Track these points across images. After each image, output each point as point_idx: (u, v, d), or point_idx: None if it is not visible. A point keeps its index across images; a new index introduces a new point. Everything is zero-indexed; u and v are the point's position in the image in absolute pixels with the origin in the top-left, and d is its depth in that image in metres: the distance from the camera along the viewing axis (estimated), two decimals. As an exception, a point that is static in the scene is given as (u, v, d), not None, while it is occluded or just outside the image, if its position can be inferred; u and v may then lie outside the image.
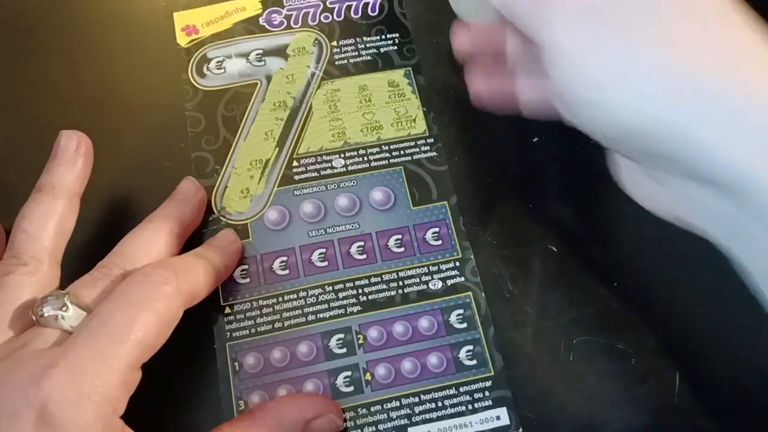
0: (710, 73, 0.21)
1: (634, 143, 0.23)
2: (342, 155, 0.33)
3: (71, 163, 0.28)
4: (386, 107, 0.34)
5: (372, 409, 0.28)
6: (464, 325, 0.30)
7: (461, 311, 0.30)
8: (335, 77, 0.34)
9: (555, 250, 0.30)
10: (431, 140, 0.33)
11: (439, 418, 0.28)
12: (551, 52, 0.23)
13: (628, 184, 0.27)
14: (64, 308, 0.25)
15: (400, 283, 0.30)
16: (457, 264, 0.31)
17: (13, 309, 0.25)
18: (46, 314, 0.24)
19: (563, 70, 0.23)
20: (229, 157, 0.33)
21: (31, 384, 0.22)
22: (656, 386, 0.28)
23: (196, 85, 0.34)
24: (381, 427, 0.28)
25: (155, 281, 0.25)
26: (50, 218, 0.27)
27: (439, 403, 0.28)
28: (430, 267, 0.31)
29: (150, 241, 0.28)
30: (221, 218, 0.31)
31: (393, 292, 0.30)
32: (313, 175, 0.32)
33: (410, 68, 0.35)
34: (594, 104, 0.23)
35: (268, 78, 0.34)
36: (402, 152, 0.33)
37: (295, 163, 0.32)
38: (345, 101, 0.34)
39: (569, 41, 0.23)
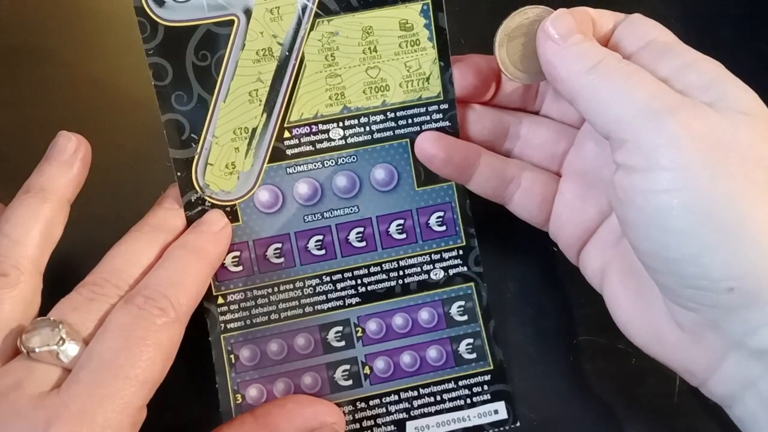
0: None
1: (718, 296, 0.21)
2: (340, 124, 0.28)
3: (66, 165, 0.25)
4: (395, 60, 0.28)
5: (371, 403, 0.29)
6: (465, 317, 0.29)
7: (462, 303, 0.29)
8: (333, 13, 0.28)
9: (555, 250, 0.29)
10: (445, 106, 0.29)
11: (437, 412, 0.29)
12: (653, 170, 0.21)
13: (624, 320, 0.26)
14: (60, 342, 0.22)
15: (401, 273, 0.29)
16: (461, 252, 0.29)
17: None
18: (38, 349, 0.22)
19: (665, 193, 0.21)
20: (207, 122, 0.28)
21: None
22: (656, 386, 0.29)
23: (154, 17, 0.27)
24: (379, 421, 0.29)
25: (152, 314, 0.24)
26: (36, 223, 0.24)
27: (438, 397, 0.29)
28: (433, 255, 0.29)
29: (142, 253, 0.25)
30: (206, 198, 0.28)
31: (393, 282, 0.29)
32: (308, 149, 0.28)
33: (429, 1, 0.28)
34: (691, 242, 0.21)
35: (247, 12, 0.28)
36: (410, 121, 0.29)
37: (286, 134, 0.28)
38: (345, 50, 0.28)
39: (688, 168, 0.21)
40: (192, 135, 0.28)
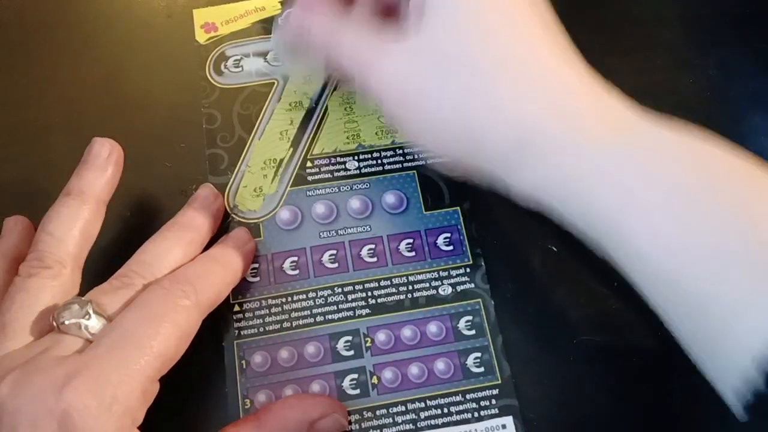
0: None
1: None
2: (356, 157, 0.33)
3: (101, 169, 0.28)
4: (402, 111, 0.34)
5: (377, 412, 0.28)
6: (473, 332, 0.29)
7: (470, 318, 0.30)
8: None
9: (555, 250, 0.30)
10: None
11: (444, 425, 0.28)
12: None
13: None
14: (87, 317, 0.24)
15: (410, 288, 0.30)
16: (468, 270, 0.31)
17: (34, 313, 0.25)
18: (67, 322, 0.24)
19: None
20: (243, 155, 0.33)
21: (53, 392, 0.22)
22: (657, 386, 0.28)
23: (213, 82, 0.34)
24: (386, 431, 0.28)
25: (175, 295, 0.25)
26: (76, 223, 0.27)
27: (445, 410, 0.28)
28: (441, 272, 0.31)
29: (169, 250, 0.28)
30: (233, 216, 0.31)
31: (402, 296, 0.30)
32: (327, 176, 0.32)
33: None
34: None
35: (285, 78, 0.34)
36: (416, 156, 0.33)
37: (308, 164, 0.33)
38: (361, 104, 0.34)
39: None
40: (229, 166, 0.32)
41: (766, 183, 0.23)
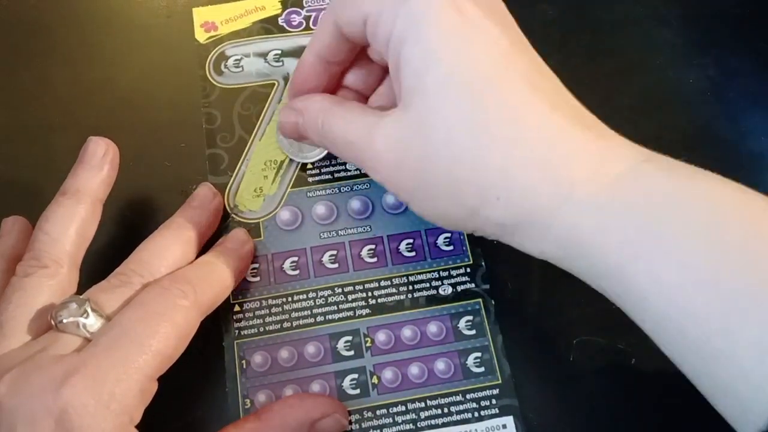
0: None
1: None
2: (356, 158, 0.33)
3: (97, 168, 0.28)
4: (402, 111, 0.34)
5: (378, 412, 0.28)
6: (473, 331, 0.29)
7: (470, 318, 0.30)
8: (353, 80, 0.34)
9: None
10: None
11: (444, 425, 0.28)
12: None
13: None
14: (85, 315, 0.24)
15: (410, 288, 0.30)
16: (468, 270, 0.31)
17: (31, 312, 0.25)
18: (65, 320, 0.24)
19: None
20: (243, 155, 0.33)
21: (51, 390, 0.22)
22: (656, 386, 0.28)
23: (213, 82, 0.34)
24: (386, 431, 0.28)
25: (174, 294, 0.25)
26: (72, 222, 0.27)
27: (445, 410, 0.28)
28: (441, 272, 0.31)
29: (167, 248, 0.28)
30: (233, 216, 0.31)
31: (402, 296, 0.30)
32: (327, 177, 0.32)
33: None
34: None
35: (286, 79, 0.34)
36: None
37: (309, 165, 0.33)
38: (361, 104, 0.34)
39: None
40: (229, 166, 0.32)
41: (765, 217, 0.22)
